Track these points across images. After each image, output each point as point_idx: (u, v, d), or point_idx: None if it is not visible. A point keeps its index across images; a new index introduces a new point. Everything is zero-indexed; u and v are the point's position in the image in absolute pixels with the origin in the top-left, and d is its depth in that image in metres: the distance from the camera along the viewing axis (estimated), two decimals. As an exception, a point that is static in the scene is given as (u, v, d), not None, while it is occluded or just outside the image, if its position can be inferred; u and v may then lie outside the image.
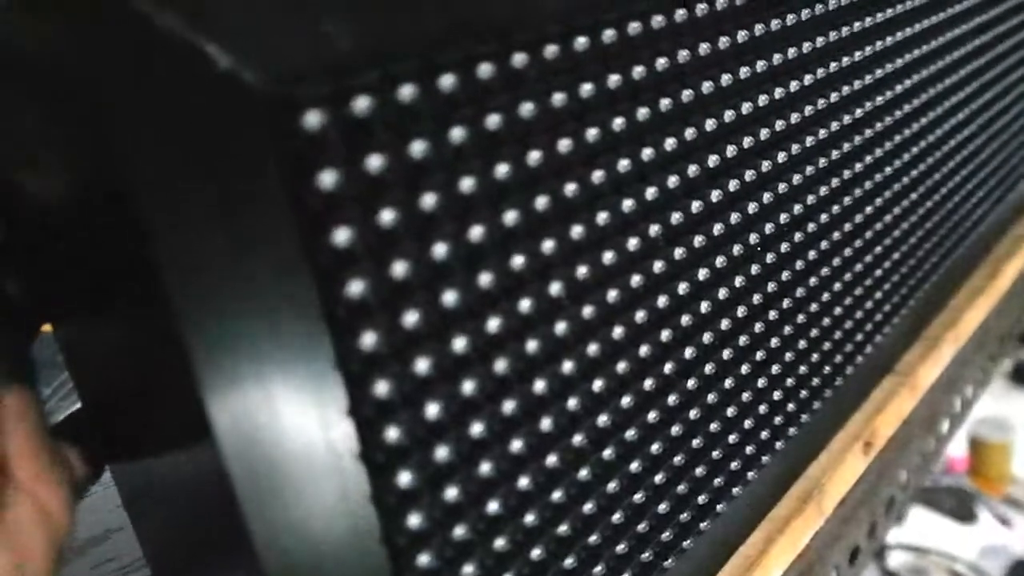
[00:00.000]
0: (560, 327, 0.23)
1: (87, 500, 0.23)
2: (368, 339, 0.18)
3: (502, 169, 0.20)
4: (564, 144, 0.22)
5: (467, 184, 0.20)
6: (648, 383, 0.27)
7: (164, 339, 0.17)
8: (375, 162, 0.18)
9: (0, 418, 0.18)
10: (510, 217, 0.21)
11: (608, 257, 0.24)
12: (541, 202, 0.22)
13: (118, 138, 0.16)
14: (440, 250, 0.19)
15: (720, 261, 0.30)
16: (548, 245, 0.22)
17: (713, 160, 0.28)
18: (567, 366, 0.24)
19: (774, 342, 0.34)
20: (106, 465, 0.24)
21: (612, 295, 0.25)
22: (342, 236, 0.17)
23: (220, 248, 0.17)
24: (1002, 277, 0.58)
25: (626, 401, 0.27)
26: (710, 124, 0.28)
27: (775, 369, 0.34)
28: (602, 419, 0.26)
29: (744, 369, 0.32)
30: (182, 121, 0.16)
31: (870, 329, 0.42)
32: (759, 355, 0.33)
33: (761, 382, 0.33)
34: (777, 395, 0.35)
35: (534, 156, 0.21)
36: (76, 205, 0.19)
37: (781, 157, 0.32)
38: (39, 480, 0.19)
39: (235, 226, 0.17)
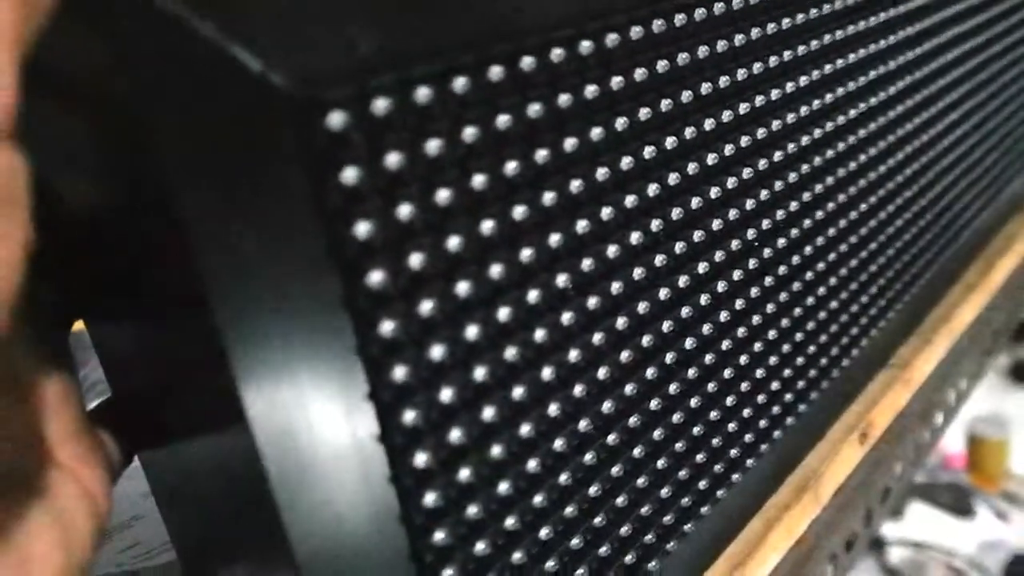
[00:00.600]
0: (566, 316, 0.24)
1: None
2: (387, 327, 0.19)
3: (511, 166, 0.22)
4: (570, 143, 0.23)
5: (479, 180, 0.21)
6: (650, 372, 0.28)
7: (200, 333, 0.18)
8: (394, 159, 0.19)
9: (44, 403, 0.19)
10: (519, 211, 0.22)
11: (611, 250, 0.26)
12: (548, 197, 0.23)
13: (157, 143, 0.17)
14: (454, 242, 0.21)
15: (719, 255, 0.31)
16: (555, 238, 0.23)
17: (711, 159, 0.30)
18: (573, 354, 0.25)
19: (772, 334, 0.35)
20: (137, 451, 0.25)
21: (615, 287, 0.26)
22: (363, 229, 0.19)
23: (252, 244, 0.18)
24: (995, 273, 0.59)
25: (629, 388, 0.28)
26: (709, 124, 0.29)
27: (773, 360, 0.35)
28: (606, 406, 0.27)
29: (743, 360, 0.33)
30: (216, 124, 0.17)
31: (866, 323, 0.43)
32: (757, 346, 0.34)
33: (760, 372, 0.35)
34: (775, 385, 0.36)
35: (542, 154, 0.22)
36: (113, 209, 0.20)
37: (778, 156, 0.33)
38: (81, 462, 0.20)
39: (266, 223, 0.18)
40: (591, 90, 0.24)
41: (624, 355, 0.27)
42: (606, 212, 0.25)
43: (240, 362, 0.18)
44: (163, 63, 0.16)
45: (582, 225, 0.24)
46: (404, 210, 0.19)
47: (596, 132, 0.24)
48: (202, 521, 0.24)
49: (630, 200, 0.26)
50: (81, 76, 0.18)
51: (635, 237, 0.27)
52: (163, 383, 0.22)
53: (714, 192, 0.30)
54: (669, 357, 0.29)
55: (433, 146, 0.20)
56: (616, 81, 0.25)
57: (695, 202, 0.29)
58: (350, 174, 0.18)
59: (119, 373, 0.24)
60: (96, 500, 0.20)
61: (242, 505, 0.20)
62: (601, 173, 0.25)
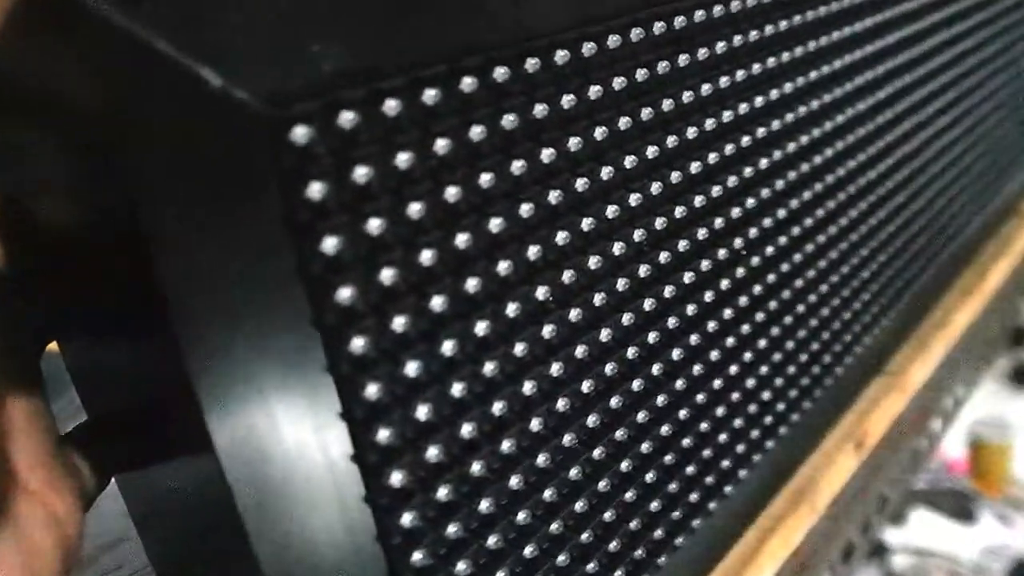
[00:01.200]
0: (547, 330, 0.24)
1: (99, 508, 0.23)
2: (358, 343, 0.19)
3: (486, 178, 0.21)
4: (547, 153, 0.23)
5: (452, 193, 0.20)
6: (636, 384, 0.28)
7: (164, 354, 0.18)
8: (362, 173, 0.18)
9: (11, 426, 0.18)
10: (495, 224, 0.22)
11: (593, 261, 0.25)
12: (525, 209, 0.23)
13: (121, 160, 0.16)
14: (427, 256, 0.20)
15: (705, 264, 0.30)
16: (533, 250, 0.23)
17: (695, 167, 0.29)
18: (555, 368, 0.25)
19: (762, 344, 0.35)
20: (113, 475, 0.25)
21: (598, 298, 0.26)
22: (331, 244, 0.18)
23: (218, 261, 0.17)
24: (990, 277, 0.59)
25: (615, 401, 0.27)
26: (692, 132, 0.29)
27: (764, 370, 0.35)
28: (591, 419, 0.26)
29: (732, 370, 0.33)
30: (181, 141, 0.17)
31: (859, 330, 0.43)
32: (747, 356, 0.34)
33: (750, 383, 0.34)
34: (767, 395, 0.36)
35: (517, 165, 0.22)
36: (81, 228, 0.19)
37: (765, 163, 0.33)
38: (50, 487, 0.19)
39: (232, 240, 0.18)
40: (567, 100, 0.23)
41: (608, 368, 0.27)
42: (587, 222, 0.25)
43: (205, 384, 0.17)
44: (126, 81, 0.16)
45: (562, 236, 0.24)
46: (374, 224, 0.19)
47: (574, 142, 0.24)
48: (178, 544, 0.24)
49: (611, 210, 0.26)
50: (47, 92, 0.17)
51: (617, 248, 0.26)
52: (135, 406, 0.22)
53: (699, 200, 0.30)
54: (656, 368, 0.29)
55: (403, 159, 0.19)
56: (594, 91, 0.24)
57: (680, 211, 0.29)
58: (316, 189, 0.18)
59: (93, 395, 0.24)
60: (64, 526, 0.20)
61: (213, 530, 0.20)
62: (580, 184, 0.24)
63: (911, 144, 0.46)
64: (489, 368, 0.22)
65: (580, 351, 0.25)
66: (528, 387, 0.24)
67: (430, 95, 0.20)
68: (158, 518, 0.25)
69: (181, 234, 0.17)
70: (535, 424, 0.24)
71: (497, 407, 0.23)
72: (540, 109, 0.23)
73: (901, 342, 0.50)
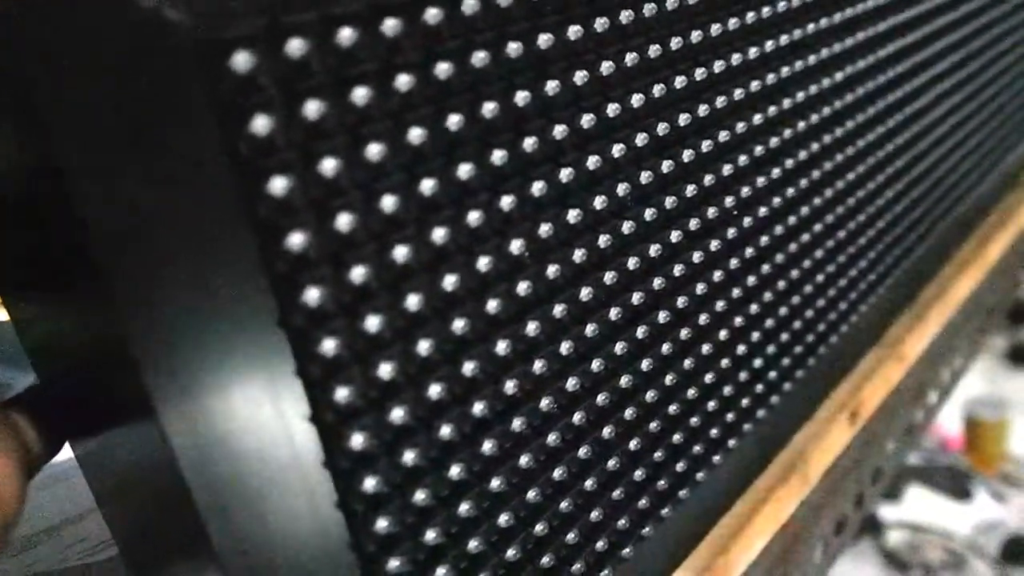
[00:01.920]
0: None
1: (68, 481, 0.22)
2: (312, 294, 0.18)
3: (454, 119, 0.20)
4: (521, 96, 0.21)
5: (416, 134, 0.19)
6: (619, 347, 0.27)
7: (102, 315, 0.16)
8: (313, 107, 0.17)
9: None
10: (464, 170, 0.20)
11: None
12: (498, 155, 0.21)
13: (47, 106, 0.15)
14: (388, 203, 0.19)
15: (695, 224, 0.29)
16: (507, 200, 0.22)
17: (686, 121, 0.28)
18: (531, 326, 0.23)
19: (754, 308, 0.33)
20: (65, 441, 0.23)
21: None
22: (280, 185, 0.17)
23: (153, 209, 0.16)
24: (991, 249, 0.58)
25: (596, 365, 0.26)
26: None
27: (755, 336, 0.34)
28: (571, 383, 0.25)
29: (722, 335, 0.32)
30: (110, 75, 0.15)
31: (854, 298, 0.42)
32: (738, 321, 0.32)
33: (741, 349, 0.33)
34: (758, 363, 0.34)
35: (488, 107, 0.21)
36: (14, 181, 0.18)
37: (762, 120, 0.32)
38: None
39: (171, 191, 0.16)
40: (544, 39, 0.22)
41: (590, 329, 0.25)
42: (566, 172, 0.23)
43: (144, 345, 0.16)
44: (50, 9, 0.14)
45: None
46: (328, 166, 0.17)
47: (551, 85, 0.22)
48: (136, 518, 0.23)
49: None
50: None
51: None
52: (85, 374, 0.21)
53: (688, 156, 0.28)
54: (640, 332, 0.27)
55: (360, 94, 0.18)
56: (573, 30, 0.23)
57: (667, 166, 0.27)
58: (261, 123, 0.16)
59: (42, 357, 0.22)
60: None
61: (174, 524, 0.19)
62: (558, 131, 0.23)
63: (911, 108, 0.45)
64: (468, 367, 0.21)
65: (559, 310, 0.24)
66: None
67: (391, 25, 0.18)
68: (118, 494, 0.23)
69: (116, 192, 0.16)
70: (509, 386, 0.23)
71: (476, 407, 0.21)
72: (513, 47, 0.21)
73: (899, 312, 0.49)
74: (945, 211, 0.51)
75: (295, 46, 0.16)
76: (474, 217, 0.21)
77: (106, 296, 0.16)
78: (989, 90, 0.55)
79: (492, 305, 0.22)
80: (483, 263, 0.21)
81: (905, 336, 0.48)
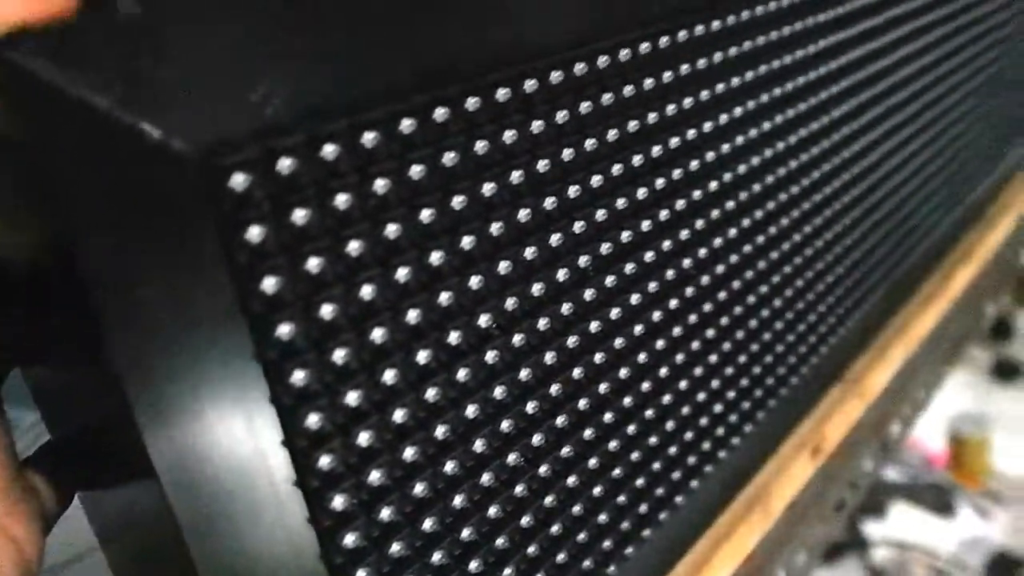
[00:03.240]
0: (490, 355, 0.25)
1: (67, 519, 0.24)
2: (299, 376, 0.20)
3: (426, 214, 0.22)
4: (488, 188, 0.24)
5: (392, 229, 0.21)
6: (583, 403, 0.29)
7: (107, 386, 0.18)
8: (300, 215, 0.19)
9: None
10: (435, 257, 0.23)
11: (536, 289, 0.26)
12: (467, 241, 0.24)
13: (71, 207, 0.17)
14: (367, 291, 0.21)
15: (653, 286, 0.31)
16: (475, 280, 0.24)
17: (660, 183, 0.30)
18: (498, 391, 0.26)
19: (712, 358, 0.36)
20: (75, 494, 0.25)
21: (542, 322, 0.27)
22: (271, 284, 0.19)
23: (162, 301, 0.18)
24: (954, 282, 0.60)
25: (561, 420, 0.28)
26: (674, 143, 0.30)
27: (716, 384, 0.36)
28: (537, 438, 0.27)
29: (683, 385, 0.34)
30: (127, 189, 0.18)
31: (815, 341, 0.44)
32: (698, 371, 0.35)
33: (701, 396, 0.35)
34: (719, 408, 0.37)
35: (458, 200, 0.23)
36: (34, 261, 0.20)
37: (731, 175, 0.34)
38: (8, 513, 0.20)
39: (175, 281, 0.19)
40: (509, 135, 0.24)
41: (555, 388, 0.28)
42: (530, 251, 0.26)
43: (145, 413, 0.18)
44: (71, 137, 0.17)
45: (504, 266, 0.25)
46: (313, 263, 0.20)
47: (515, 175, 0.25)
48: (134, 560, 0.25)
49: (555, 239, 0.27)
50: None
51: (562, 273, 0.27)
52: (88, 429, 0.23)
53: (663, 214, 0.31)
54: (603, 387, 0.30)
55: (342, 200, 0.20)
56: (536, 125, 0.25)
57: (635, 227, 0.30)
58: (256, 232, 0.19)
59: (52, 417, 0.25)
60: (23, 550, 0.21)
61: (161, 550, 0.21)
62: (523, 215, 0.25)
63: (874, 155, 0.47)
64: (431, 393, 0.23)
65: (524, 374, 0.26)
66: (471, 410, 0.25)
67: (369, 138, 0.21)
68: (116, 534, 0.26)
69: (128, 279, 0.18)
70: (479, 444, 0.25)
71: (439, 430, 0.24)
72: (481, 145, 0.24)
73: (861, 349, 0.52)
74: (908, 250, 0.54)
75: (285, 164, 0.19)
76: (445, 297, 0.23)
77: (113, 376, 0.18)
78: (951, 132, 0.58)
79: (462, 374, 0.24)
80: (454, 337, 0.24)
81: (867, 372, 0.50)
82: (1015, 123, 0.71)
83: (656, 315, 0.32)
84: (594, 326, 0.29)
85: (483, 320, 0.25)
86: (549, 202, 0.26)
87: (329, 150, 0.20)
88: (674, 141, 0.31)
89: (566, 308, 0.28)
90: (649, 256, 0.31)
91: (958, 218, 0.63)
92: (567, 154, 0.27)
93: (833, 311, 0.46)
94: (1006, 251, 0.70)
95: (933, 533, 1.48)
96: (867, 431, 0.50)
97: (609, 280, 0.29)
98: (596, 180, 0.28)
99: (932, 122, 0.55)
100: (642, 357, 0.32)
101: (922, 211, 0.55)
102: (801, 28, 0.38)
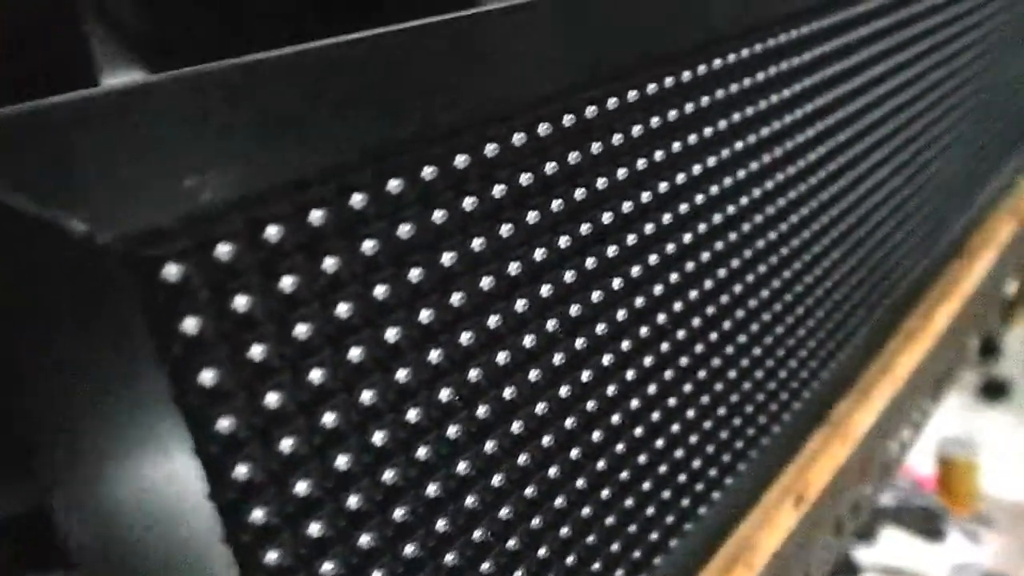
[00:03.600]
0: (453, 430, 0.24)
1: None
2: (242, 470, 0.19)
3: (380, 290, 0.21)
4: (448, 257, 0.23)
5: (343, 310, 0.20)
6: (553, 471, 0.28)
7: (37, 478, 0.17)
8: (242, 302, 0.18)
9: None
10: (391, 334, 0.22)
11: (501, 357, 0.25)
12: (425, 315, 0.23)
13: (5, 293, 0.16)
14: (317, 375, 0.20)
15: (627, 344, 0.31)
16: (435, 354, 0.23)
17: (631, 239, 0.29)
18: (462, 466, 0.25)
19: (690, 412, 0.35)
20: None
21: (508, 392, 0.26)
22: (209, 376, 0.18)
23: (88, 397, 0.17)
24: (937, 319, 0.60)
25: (530, 491, 0.27)
26: (642, 198, 0.29)
27: (694, 439, 0.35)
28: (505, 511, 0.26)
29: (659, 443, 0.33)
30: (55, 282, 0.17)
31: (796, 387, 0.43)
32: (675, 428, 0.34)
33: (679, 453, 0.34)
34: (697, 463, 0.36)
35: (415, 273, 0.22)
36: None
37: (706, 225, 0.33)
38: None
39: (107, 375, 0.18)
40: (469, 202, 0.23)
41: (522, 458, 0.27)
42: (494, 320, 0.25)
43: (71, 512, 0.17)
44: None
45: (467, 337, 0.24)
46: (256, 351, 0.19)
47: (477, 243, 0.24)
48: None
49: (521, 304, 0.26)
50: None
51: (528, 340, 0.26)
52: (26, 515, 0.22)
53: (635, 270, 0.30)
54: (574, 452, 0.29)
55: (287, 283, 0.19)
56: (497, 189, 0.24)
57: (617, 283, 0.29)
58: (191, 324, 0.18)
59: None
60: None
61: None
62: (486, 282, 0.24)
63: (849, 199, 0.47)
64: (388, 475, 0.22)
65: (489, 445, 0.25)
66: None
67: (317, 216, 0.20)
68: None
69: (56, 372, 0.17)
70: (432, 489, 0.24)
71: (398, 512, 0.23)
72: (439, 214, 0.23)
73: (845, 391, 0.51)
74: (887, 290, 0.53)
75: (223, 251, 0.18)
76: (403, 374, 0.22)
77: (42, 472, 0.17)
78: (926, 171, 0.57)
79: (421, 452, 0.23)
80: (413, 414, 0.23)
81: (850, 414, 0.49)
82: (992, 157, 0.71)
83: (630, 374, 0.31)
84: (564, 390, 0.28)
85: (444, 395, 0.24)
86: (513, 267, 0.25)
87: (272, 232, 0.19)
88: (643, 196, 0.30)
89: (533, 375, 0.27)
90: (621, 314, 0.30)
91: (939, 255, 0.62)
92: (531, 216, 0.26)
93: (815, 355, 0.45)
94: (988, 283, 0.70)
95: (923, 558, 1.48)
96: (851, 475, 0.49)
97: (579, 343, 0.28)
98: (563, 241, 0.27)
99: (909, 160, 0.54)
100: (616, 418, 0.31)
101: (902, 248, 0.55)
102: (775, 74, 0.38)
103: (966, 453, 1.60)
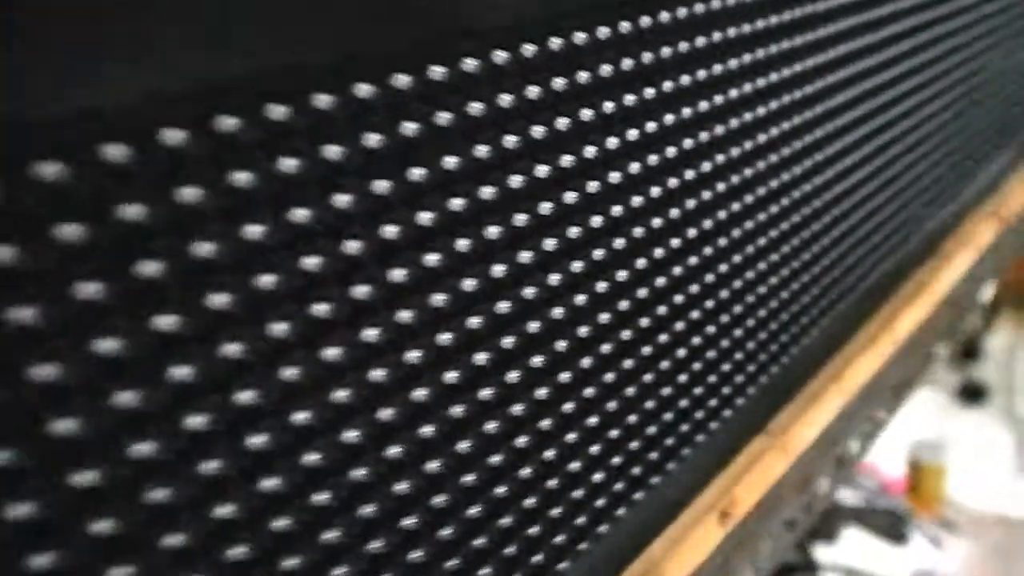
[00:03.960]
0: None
1: None
2: None
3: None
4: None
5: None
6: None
7: None
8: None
9: None
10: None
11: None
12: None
13: None
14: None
15: (555, 316, 0.27)
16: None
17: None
18: (368, 509, 0.21)
19: (613, 405, 0.31)
20: None
21: (419, 392, 0.22)
22: None
23: None
24: (899, 326, 0.56)
25: (441, 500, 0.24)
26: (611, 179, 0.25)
27: (615, 433, 0.32)
28: (409, 522, 0.23)
29: (549, 454, 0.29)
30: None
31: (728, 393, 0.40)
32: (592, 420, 0.30)
33: (574, 465, 0.31)
34: (598, 477, 0.32)
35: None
36: None
37: (638, 200, 0.30)
38: None
39: None
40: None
41: (434, 465, 0.23)
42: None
43: None
44: None
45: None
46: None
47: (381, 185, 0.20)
48: None
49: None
50: None
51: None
52: None
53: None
54: (497, 459, 0.25)
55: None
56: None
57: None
58: None
59: None
60: None
61: None
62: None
63: (808, 186, 0.43)
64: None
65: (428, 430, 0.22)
66: (367, 508, 0.20)
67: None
68: None
69: None
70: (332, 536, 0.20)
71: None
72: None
73: (790, 397, 0.47)
74: (842, 294, 0.50)
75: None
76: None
77: None
78: (892, 169, 0.53)
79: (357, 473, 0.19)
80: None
81: (792, 424, 0.46)
82: (972, 158, 0.67)
83: (560, 344, 0.27)
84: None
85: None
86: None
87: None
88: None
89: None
90: (560, 281, 0.26)
91: (909, 254, 0.59)
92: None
93: (753, 358, 0.41)
94: (965, 286, 0.66)
95: (884, 560, 1.46)
96: (788, 491, 0.45)
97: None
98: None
99: (873, 158, 0.50)
100: (547, 423, 0.27)
101: (863, 248, 0.51)
102: (751, 62, 0.34)
103: (934, 457, 1.58)
